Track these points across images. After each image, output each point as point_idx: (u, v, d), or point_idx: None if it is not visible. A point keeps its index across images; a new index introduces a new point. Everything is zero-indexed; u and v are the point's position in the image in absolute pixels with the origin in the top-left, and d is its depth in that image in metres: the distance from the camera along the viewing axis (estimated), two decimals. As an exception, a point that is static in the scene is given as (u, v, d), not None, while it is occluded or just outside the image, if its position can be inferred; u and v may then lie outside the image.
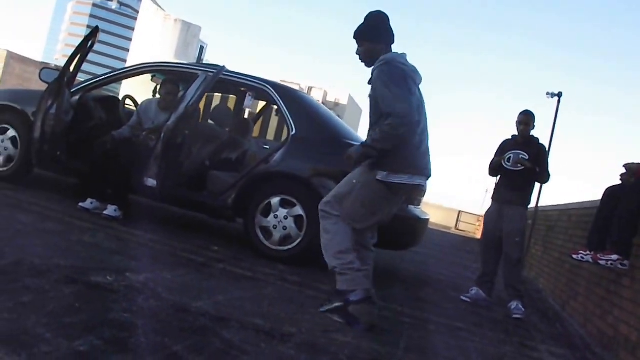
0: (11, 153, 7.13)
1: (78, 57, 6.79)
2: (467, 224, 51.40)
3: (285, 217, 6.16)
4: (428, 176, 4.33)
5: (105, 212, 6.35)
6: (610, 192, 5.71)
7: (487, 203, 7.37)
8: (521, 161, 6.60)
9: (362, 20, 4.45)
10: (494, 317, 6.23)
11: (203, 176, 7.01)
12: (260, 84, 6.90)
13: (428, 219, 7.28)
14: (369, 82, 4.38)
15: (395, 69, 4.20)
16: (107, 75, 7.49)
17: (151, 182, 6.49)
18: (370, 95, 4.34)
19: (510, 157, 6.70)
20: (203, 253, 5.78)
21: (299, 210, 6.14)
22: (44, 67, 7.65)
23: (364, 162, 4.27)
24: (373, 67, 4.33)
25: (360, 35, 4.38)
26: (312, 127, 6.60)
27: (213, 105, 11.08)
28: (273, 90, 6.79)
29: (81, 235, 5.29)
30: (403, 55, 4.34)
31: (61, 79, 6.78)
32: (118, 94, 8.74)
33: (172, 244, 5.88)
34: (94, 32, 6.80)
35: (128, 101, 7.91)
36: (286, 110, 6.60)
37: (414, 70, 4.32)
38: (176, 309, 3.65)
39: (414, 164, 4.19)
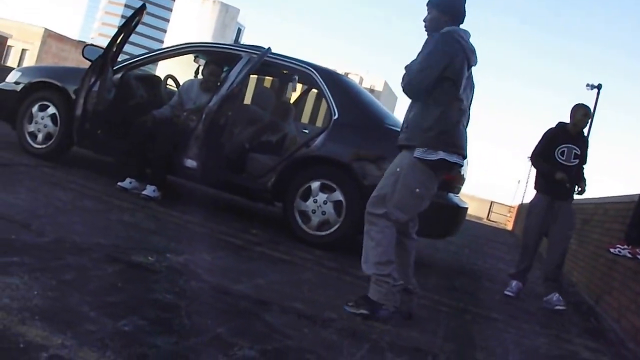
0: (50, 130, 7.11)
1: (122, 35, 6.80)
2: (498, 215, 51.28)
3: (325, 202, 6.13)
4: (464, 156, 4.22)
5: (143, 192, 6.35)
6: (652, 186, 5.61)
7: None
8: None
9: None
10: (528, 309, 6.21)
11: (243, 158, 6.98)
12: (305, 67, 6.82)
13: (467, 208, 7.20)
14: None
15: (451, 41, 4.10)
16: (150, 54, 7.50)
17: (191, 163, 6.47)
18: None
19: (564, 150, 6.50)
20: (241, 236, 5.79)
21: (338, 195, 6.11)
22: (87, 44, 7.63)
23: None
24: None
25: (433, 2, 4.27)
26: (354, 112, 6.52)
27: (253, 87, 11.02)
28: (317, 74, 6.71)
29: (120, 215, 5.32)
30: (466, 32, 4.24)
31: (105, 57, 6.79)
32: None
33: (210, 226, 5.90)
34: (140, 10, 6.79)
35: (170, 81, 7.89)
36: (329, 94, 6.52)
37: (471, 50, 4.22)
38: (217, 290, 3.66)
39: (449, 141, 4.09)
